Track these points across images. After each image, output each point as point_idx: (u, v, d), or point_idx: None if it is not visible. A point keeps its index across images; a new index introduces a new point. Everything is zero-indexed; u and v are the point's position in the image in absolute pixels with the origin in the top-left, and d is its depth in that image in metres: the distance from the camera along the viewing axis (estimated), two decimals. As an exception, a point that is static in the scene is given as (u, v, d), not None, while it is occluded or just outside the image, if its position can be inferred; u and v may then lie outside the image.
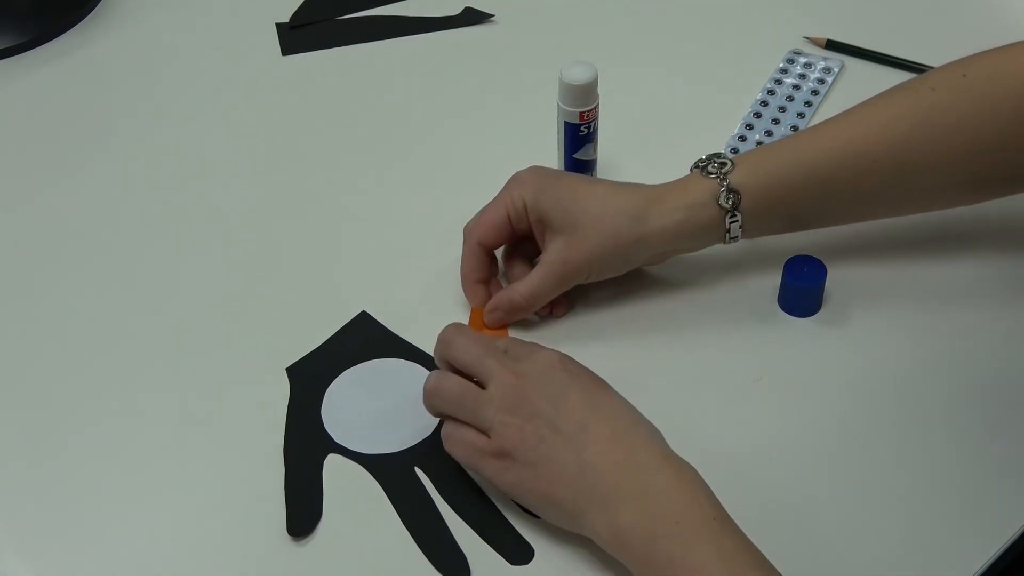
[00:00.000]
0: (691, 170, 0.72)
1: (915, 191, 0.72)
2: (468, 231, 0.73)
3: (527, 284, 0.71)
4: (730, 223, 0.70)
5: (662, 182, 0.72)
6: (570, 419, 0.61)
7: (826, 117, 0.73)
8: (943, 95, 0.69)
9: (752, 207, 0.70)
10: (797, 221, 0.73)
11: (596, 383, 0.63)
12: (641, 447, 0.60)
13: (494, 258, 0.75)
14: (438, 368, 0.67)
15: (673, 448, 0.60)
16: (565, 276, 0.71)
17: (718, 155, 0.71)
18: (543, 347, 0.65)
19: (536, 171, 0.73)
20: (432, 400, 0.65)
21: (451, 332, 0.66)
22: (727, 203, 0.69)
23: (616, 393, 0.63)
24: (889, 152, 0.69)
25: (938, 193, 0.72)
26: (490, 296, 0.73)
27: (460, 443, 0.64)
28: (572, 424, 0.60)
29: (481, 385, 0.63)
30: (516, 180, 0.72)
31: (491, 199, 0.73)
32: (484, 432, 0.62)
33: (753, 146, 0.85)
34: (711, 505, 0.58)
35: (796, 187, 0.70)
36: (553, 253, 0.71)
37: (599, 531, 0.59)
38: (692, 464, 0.59)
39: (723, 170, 0.70)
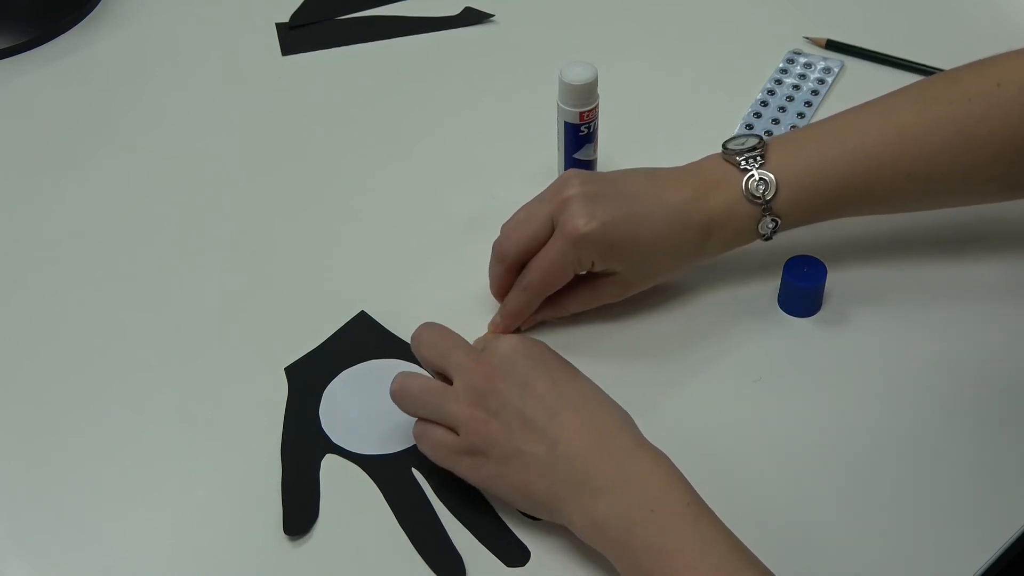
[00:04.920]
0: (724, 154, 0.71)
1: (945, 196, 0.73)
2: (511, 262, 0.70)
3: (575, 305, 0.72)
4: (763, 240, 0.71)
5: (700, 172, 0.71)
6: (539, 408, 0.60)
7: (825, 117, 0.72)
8: (978, 106, 0.69)
9: (787, 225, 0.71)
10: (825, 220, 0.74)
11: (563, 367, 0.63)
12: (613, 434, 0.60)
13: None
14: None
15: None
16: (607, 302, 0.72)
17: (757, 150, 0.70)
18: (505, 336, 0.64)
19: (595, 218, 0.67)
20: (399, 402, 0.65)
21: (419, 330, 0.66)
22: (767, 229, 0.70)
23: (583, 376, 0.63)
24: (925, 166, 0.70)
25: (965, 196, 0.74)
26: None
27: (431, 443, 0.63)
28: (542, 414, 0.60)
29: (449, 381, 0.63)
30: (584, 240, 0.67)
31: (527, 214, 0.70)
32: (453, 429, 0.62)
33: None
34: (686, 491, 0.58)
35: (834, 208, 0.71)
36: (608, 287, 0.71)
37: (576, 521, 0.59)
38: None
39: (767, 194, 0.69)
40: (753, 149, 0.70)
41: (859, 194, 0.70)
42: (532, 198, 0.71)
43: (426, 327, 0.66)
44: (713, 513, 0.57)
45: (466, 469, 0.62)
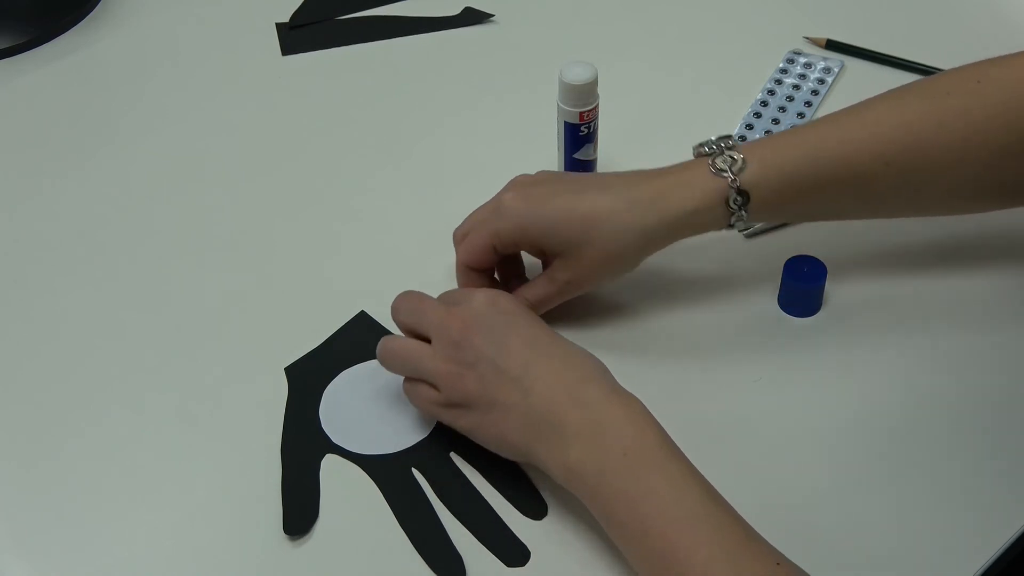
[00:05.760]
0: (694, 152, 0.70)
1: (924, 195, 0.71)
2: (456, 242, 0.73)
3: (533, 293, 0.71)
4: (735, 220, 0.69)
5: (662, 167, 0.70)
6: (513, 359, 0.62)
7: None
8: (957, 100, 0.68)
9: (760, 206, 0.68)
10: (802, 217, 0.73)
11: (536, 321, 0.65)
12: (586, 382, 0.61)
13: (491, 271, 0.74)
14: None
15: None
16: (571, 291, 0.71)
17: (726, 140, 0.69)
18: (479, 290, 0.66)
19: (521, 195, 0.69)
20: (383, 363, 0.67)
21: (397, 299, 0.68)
22: (735, 205, 0.68)
23: (555, 332, 0.64)
24: (901, 155, 0.68)
25: (946, 199, 0.72)
26: None
27: (416, 398, 0.66)
28: (516, 364, 0.61)
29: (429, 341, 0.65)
30: (501, 211, 0.69)
31: (481, 204, 0.72)
32: (434, 385, 0.64)
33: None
34: (656, 436, 0.59)
35: (806, 188, 0.69)
36: (556, 272, 0.70)
37: (552, 468, 0.60)
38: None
39: (733, 168, 0.68)
40: (721, 138, 0.70)
41: (834, 177, 0.68)
42: None
43: (401, 296, 0.68)
44: (684, 458, 0.58)
45: (450, 419, 0.65)
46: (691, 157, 0.72)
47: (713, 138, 0.70)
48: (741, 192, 0.68)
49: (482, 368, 0.62)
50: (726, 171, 0.68)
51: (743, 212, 0.68)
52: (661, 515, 0.56)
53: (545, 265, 0.72)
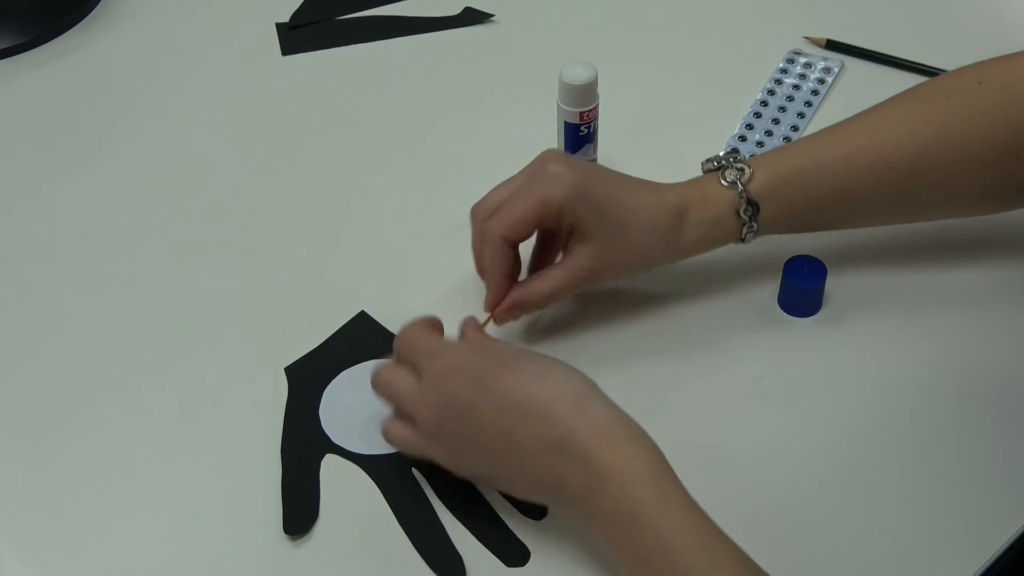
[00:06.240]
0: (703, 169, 0.71)
1: (930, 200, 0.71)
2: (483, 220, 0.68)
3: (548, 284, 0.69)
4: (746, 232, 0.70)
5: (677, 181, 0.71)
6: (493, 437, 0.59)
7: (826, 117, 0.73)
8: (958, 101, 0.69)
9: (770, 216, 0.70)
10: (811, 225, 0.73)
11: (502, 369, 0.60)
12: (569, 433, 0.57)
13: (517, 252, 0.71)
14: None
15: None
16: (587, 282, 0.69)
17: (734, 155, 0.70)
18: (435, 355, 0.62)
19: (569, 166, 0.67)
20: (379, 394, 0.65)
21: (372, 374, 0.65)
22: (746, 215, 0.69)
23: (524, 363, 0.60)
24: (906, 160, 0.69)
25: (952, 202, 0.72)
26: (507, 291, 0.70)
27: (425, 458, 0.64)
28: (498, 442, 0.59)
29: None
30: (551, 177, 0.66)
31: (508, 179, 0.69)
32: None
33: (753, 146, 0.85)
34: (649, 476, 0.56)
35: (813, 197, 0.70)
36: (580, 259, 0.68)
37: (569, 519, 0.60)
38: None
39: (742, 179, 0.69)
40: (728, 153, 0.70)
41: (840, 182, 0.69)
42: None
43: (374, 372, 0.65)
44: (681, 496, 0.56)
45: (460, 474, 0.63)
46: (692, 160, 0.72)
47: (720, 154, 0.71)
48: (751, 202, 0.69)
49: (469, 453, 0.61)
50: (735, 183, 0.69)
51: (754, 224, 0.69)
52: (665, 570, 0.54)
53: (544, 249, 0.71)
